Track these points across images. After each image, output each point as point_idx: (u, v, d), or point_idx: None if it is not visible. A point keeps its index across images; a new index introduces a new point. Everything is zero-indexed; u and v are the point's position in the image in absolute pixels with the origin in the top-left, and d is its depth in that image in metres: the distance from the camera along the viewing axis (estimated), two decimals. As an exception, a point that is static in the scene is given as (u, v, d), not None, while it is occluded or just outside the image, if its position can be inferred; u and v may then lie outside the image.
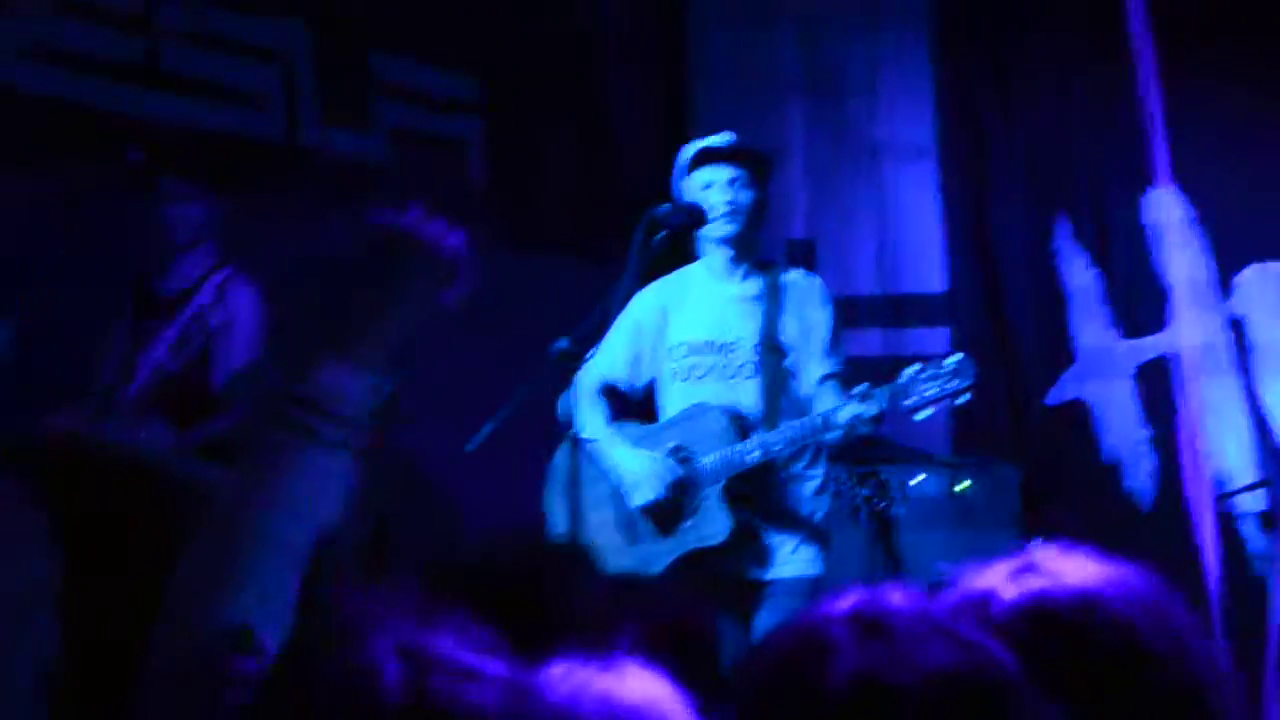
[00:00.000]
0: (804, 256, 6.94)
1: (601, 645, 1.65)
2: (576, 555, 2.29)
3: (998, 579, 1.67)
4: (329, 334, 1.76)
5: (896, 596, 1.45)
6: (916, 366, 4.25)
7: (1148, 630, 1.61)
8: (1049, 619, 1.62)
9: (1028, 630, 1.60)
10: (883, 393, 4.20)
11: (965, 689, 1.36)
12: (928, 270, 6.89)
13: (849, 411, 4.20)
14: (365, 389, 1.74)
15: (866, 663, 1.37)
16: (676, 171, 4.64)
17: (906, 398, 4.20)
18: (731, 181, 4.51)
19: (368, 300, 1.77)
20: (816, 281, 4.65)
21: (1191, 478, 6.41)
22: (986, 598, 1.65)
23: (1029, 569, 1.67)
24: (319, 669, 1.38)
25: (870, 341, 6.85)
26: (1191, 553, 5.54)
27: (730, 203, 4.48)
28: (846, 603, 1.44)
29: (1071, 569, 1.66)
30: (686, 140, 4.78)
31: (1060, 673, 1.54)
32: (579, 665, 1.40)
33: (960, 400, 4.26)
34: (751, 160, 4.58)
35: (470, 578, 2.07)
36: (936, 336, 6.82)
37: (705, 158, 4.55)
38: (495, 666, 1.40)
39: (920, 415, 4.26)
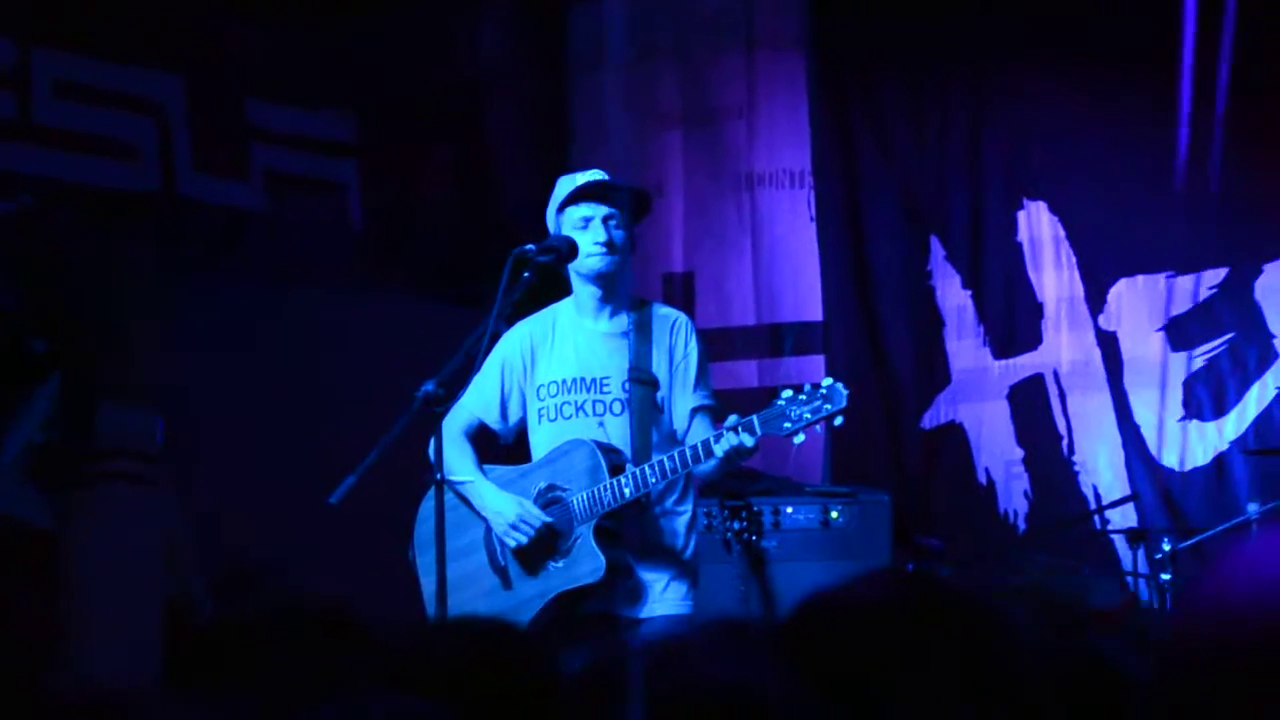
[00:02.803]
0: (682, 290, 6.93)
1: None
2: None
3: None
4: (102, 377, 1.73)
5: None
6: (789, 392, 4.26)
7: None
8: None
9: None
10: (758, 421, 4.19)
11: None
12: (804, 299, 6.89)
13: (727, 442, 4.17)
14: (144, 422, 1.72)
15: None
16: (550, 206, 4.59)
17: (782, 422, 4.20)
18: (606, 219, 4.47)
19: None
20: (683, 316, 4.62)
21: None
22: None
23: None
24: None
25: (747, 373, 6.83)
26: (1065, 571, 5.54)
27: (604, 241, 4.45)
28: None
29: None
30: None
31: None
32: None
33: (836, 423, 4.27)
34: (626, 198, 4.55)
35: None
36: (813, 364, 6.82)
37: (580, 195, 4.51)
38: None
39: (796, 439, 4.27)
